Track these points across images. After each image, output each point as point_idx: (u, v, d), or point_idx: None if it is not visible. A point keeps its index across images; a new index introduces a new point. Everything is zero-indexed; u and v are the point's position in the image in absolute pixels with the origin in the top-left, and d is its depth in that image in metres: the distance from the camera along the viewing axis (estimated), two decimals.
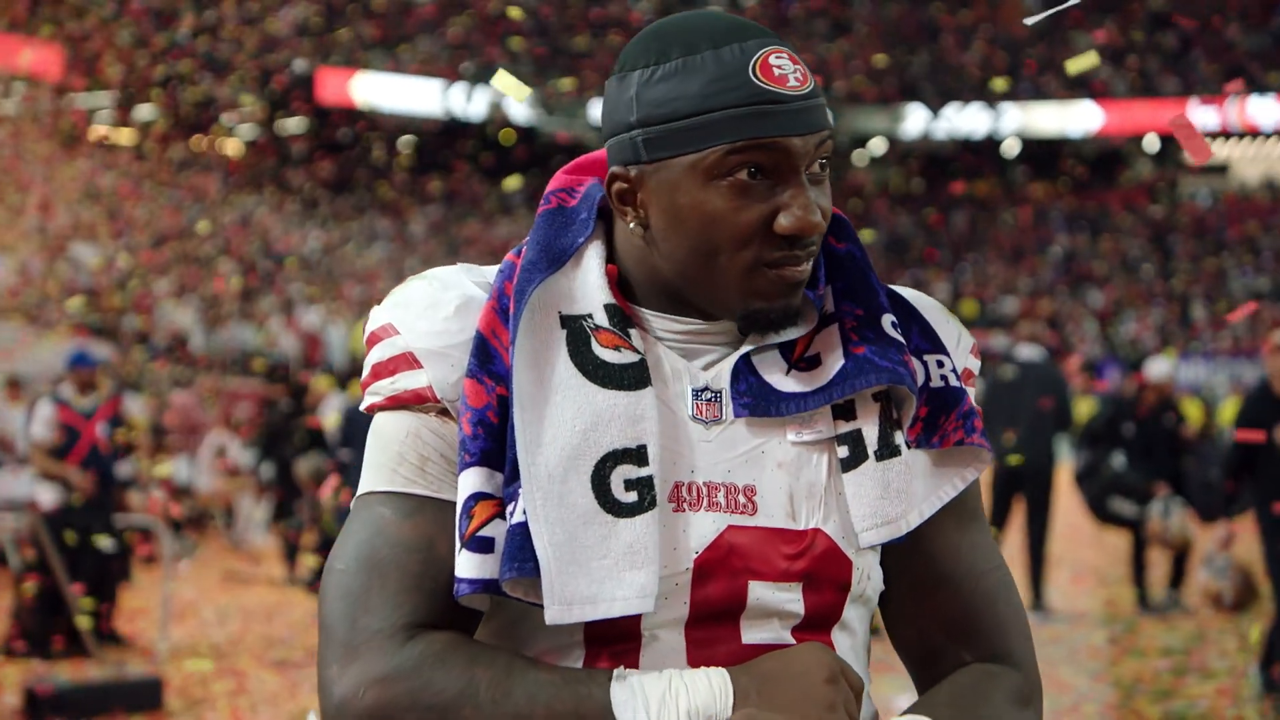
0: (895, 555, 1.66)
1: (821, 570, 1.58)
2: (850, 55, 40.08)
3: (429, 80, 37.62)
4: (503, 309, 1.58)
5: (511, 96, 2.15)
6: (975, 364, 1.73)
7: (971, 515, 1.69)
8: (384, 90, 37.53)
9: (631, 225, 1.58)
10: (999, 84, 37.39)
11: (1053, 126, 40.49)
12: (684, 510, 1.56)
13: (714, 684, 1.47)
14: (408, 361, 1.58)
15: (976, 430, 1.64)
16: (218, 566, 14.28)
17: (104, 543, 9.49)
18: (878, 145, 43.40)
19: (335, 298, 27.43)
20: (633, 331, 1.58)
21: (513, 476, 1.52)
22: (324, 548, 11.92)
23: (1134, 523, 10.83)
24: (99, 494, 9.64)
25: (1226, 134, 40.84)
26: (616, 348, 1.55)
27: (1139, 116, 39.54)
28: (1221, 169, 43.64)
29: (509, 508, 1.52)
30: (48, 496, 9.59)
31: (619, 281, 1.62)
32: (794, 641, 1.57)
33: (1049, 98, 39.59)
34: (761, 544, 1.56)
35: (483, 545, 1.51)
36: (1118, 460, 11.03)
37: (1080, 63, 3.02)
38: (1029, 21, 2.18)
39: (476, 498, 1.52)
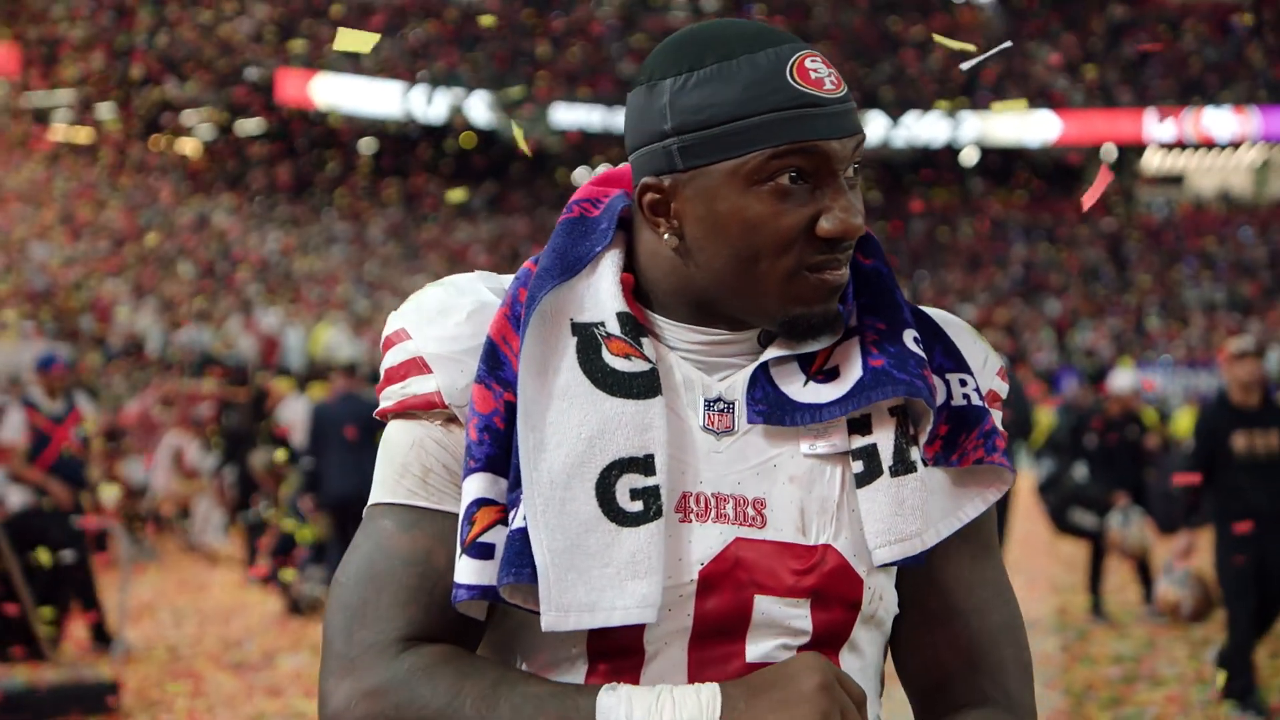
0: (909, 582, 1.63)
1: (831, 587, 1.54)
2: None
3: (389, 82, 37.47)
4: (515, 315, 1.55)
5: (359, 49, 2.11)
6: (1002, 387, 1.70)
7: (986, 548, 1.66)
8: (344, 92, 37.35)
9: (665, 236, 1.55)
10: (948, 104, 37.59)
11: (1011, 135, 40.70)
12: (690, 521, 1.53)
13: (702, 697, 1.45)
14: (418, 366, 1.57)
15: (998, 449, 1.60)
16: (175, 568, 14.21)
17: (65, 555, 9.36)
18: None
19: (293, 300, 27.32)
20: (645, 340, 1.55)
21: (516, 483, 1.50)
22: (282, 549, 11.85)
23: (1094, 534, 10.92)
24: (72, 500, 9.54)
25: (1182, 145, 41.21)
26: (627, 356, 1.53)
27: (1097, 126, 39.81)
28: (1177, 180, 44.01)
29: (511, 514, 1.50)
30: (16, 499, 9.49)
31: (635, 290, 1.59)
32: None
33: (1005, 100, 39.82)
34: (769, 558, 1.53)
35: (483, 551, 1.49)
36: (1080, 471, 11.12)
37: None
38: (964, 67, 2.07)
39: (479, 503, 1.51)
